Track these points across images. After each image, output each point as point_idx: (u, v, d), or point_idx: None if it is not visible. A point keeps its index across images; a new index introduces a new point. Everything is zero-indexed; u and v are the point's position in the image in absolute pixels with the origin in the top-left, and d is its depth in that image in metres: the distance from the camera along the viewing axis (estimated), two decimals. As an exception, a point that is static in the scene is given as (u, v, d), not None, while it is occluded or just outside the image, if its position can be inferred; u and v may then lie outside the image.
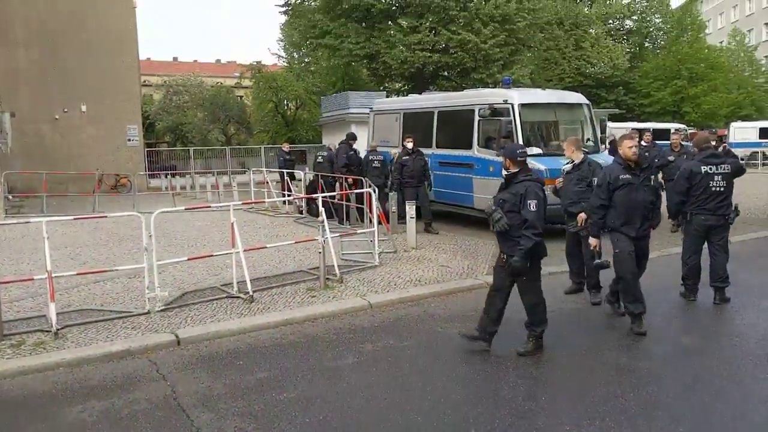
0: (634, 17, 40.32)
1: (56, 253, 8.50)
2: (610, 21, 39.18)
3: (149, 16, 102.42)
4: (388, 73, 28.52)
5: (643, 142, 12.05)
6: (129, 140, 24.80)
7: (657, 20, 40.81)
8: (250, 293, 7.15)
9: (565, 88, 27.64)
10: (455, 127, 12.60)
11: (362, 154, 14.05)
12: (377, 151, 13.47)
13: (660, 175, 11.50)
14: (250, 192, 16.75)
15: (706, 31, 45.57)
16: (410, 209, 10.19)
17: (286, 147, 19.22)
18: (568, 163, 7.32)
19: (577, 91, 14.91)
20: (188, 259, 8.26)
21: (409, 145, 12.08)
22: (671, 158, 11.19)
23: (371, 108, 15.92)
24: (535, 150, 11.02)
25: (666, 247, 9.66)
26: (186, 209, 11.59)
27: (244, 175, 21.49)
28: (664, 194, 7.02)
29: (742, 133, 29.84)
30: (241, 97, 41.75)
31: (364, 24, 26.97)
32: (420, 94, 16.85)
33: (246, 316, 6.65)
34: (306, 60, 36.60)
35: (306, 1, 28.91)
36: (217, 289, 7.65)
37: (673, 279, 7.35)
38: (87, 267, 8.78)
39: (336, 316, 6.74)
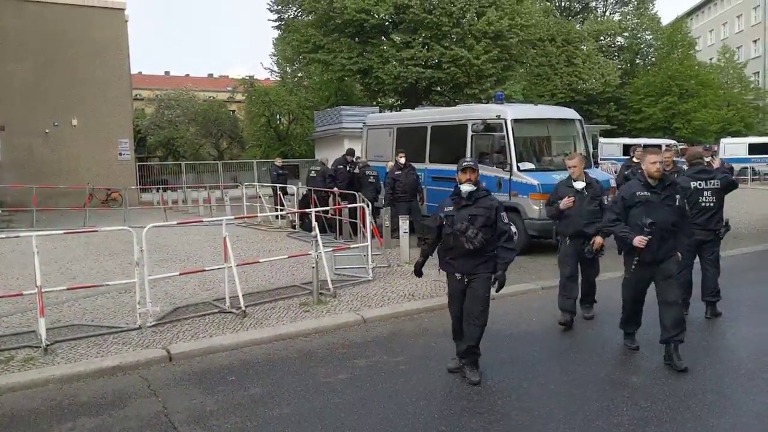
0: (625, 34, 40.87)
1: (46, 267, 8.44)
2: (602, 38, 39.66)
3: (141, 29, 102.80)
4: (381, 88, 28.68)
5: (634, 159, 11.50)
6: (120, 154, 24.69)
7: (648, 37, 41.36)
8: (243, 308, 7.11)
9: (557, 104, 27.88)
10: (448, 142, 12.67)
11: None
12: (370, 166, 13.51)
13: None
14: (243, 207, 16.72)
15: (696, 48, 46.18)
16: (403, 224, 10.20)
17: (278, 161, 19.30)
18: (576, 180, 6.77)
19: (569, 107, 15.04)
20: (180, 274, 8.19)
21: (401, 160, 12.14)
22: None
23: (364, 123, 15.98)
24: (528, 165, 11.10)
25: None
26: (178, 224, 11.53)
27: (237, 189, 21.46)
28: None
29: (732, 148, 30.18)
30: (233, 111, 41.76)
31: (357, 39, 27.16)
32: (413, 109, 16.93)
33: (238, 331, 6.61)
34: (299, 75, 36.75)
35: (299, 16, 29.10)
36: (210, 304, 7.61)
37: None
38: (78, 282, 8.71)
39: (329, 331, 6.70)
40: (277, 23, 29.84)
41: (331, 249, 9.42)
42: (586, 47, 37.42)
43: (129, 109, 25.91)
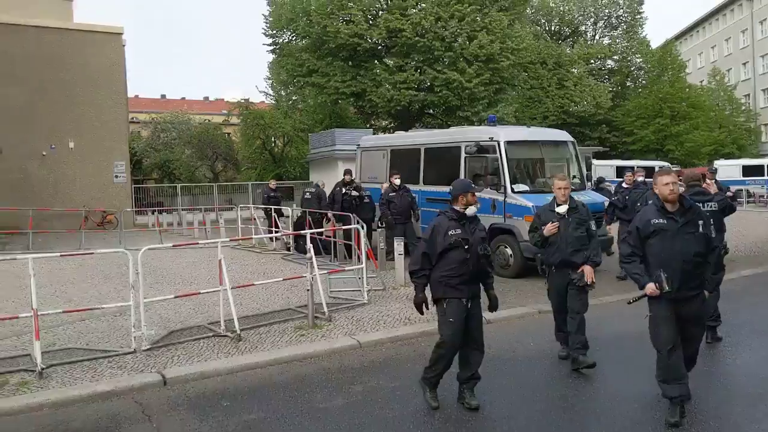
0: (615, 57, 41.43)
1: (42, 290, 8.39)
2: (592, 61, 40.22)
3: (138, 53, 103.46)
4: (374, 111, 28.92)
5: (624, 184, 11.07)
6: (116, 177, 24.74)
7: (638, 60, 41.93)
8: (238, 332, 7.09)
9: (549, 126, 28.17)
10: (442, 163, 12.76)
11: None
12: (362, 187, 13.57)
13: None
14: (238, 229, 16.72)
15: (687, 70, 46.87)
16: (398, 246, 10.23)
17: (272, 184, 18.99)
18: (560, 205, 6.21)
19: (561, 129, 15.19)
20: (175, 297, 8.19)
21: (397, 182, 12.21)
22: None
23: (358, 144, 16.09)
24: (522, 187, 11.18)
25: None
26: (174, 246, 11.52)
27: (232, 211, 21.47)
28: None
29: (725, 171, 30.25)
30: (228, 134, 41.91)
31: (350, 63, 27.46)
32: (406, 131, 17.06)
33: (233, 355, 6.59)
34: (293, 98, 37.00)
35: (293, 40, 29.41)
36: (204, 328, 7.58)
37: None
38: (73, 305, 8.68)
39: (325, 356, 6.68)
40: (271, 47, 30.15)
41: (326, 271, 9.43)
42: (577, 70, 37.91)
43: (125, 132, 25.98)
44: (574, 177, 11.88)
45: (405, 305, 8.66)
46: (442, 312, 5.10)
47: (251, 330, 7.45)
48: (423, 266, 5.07)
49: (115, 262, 11.60)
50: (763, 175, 30.38)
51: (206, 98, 66.24)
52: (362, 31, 25.19)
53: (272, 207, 16.14)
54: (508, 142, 11.38)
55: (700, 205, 5.80)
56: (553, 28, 42.24)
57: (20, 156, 22.25)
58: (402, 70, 26.08)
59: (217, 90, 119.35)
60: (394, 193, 12.14)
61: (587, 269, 5.94)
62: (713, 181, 9.79)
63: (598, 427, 4.78)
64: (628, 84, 42.95)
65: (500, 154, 11.20)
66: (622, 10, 41.31)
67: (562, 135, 12.96)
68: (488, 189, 11.26)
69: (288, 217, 15.79)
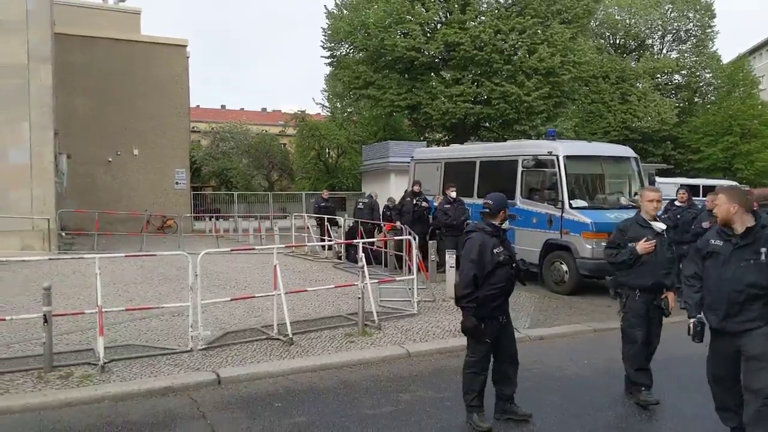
0: (683, 72, 40.03)
1: (105, 289, 8.69)
2: (658, 75, 38.95)
3: (200, 65, 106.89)
4: (429, 124, 28.90)
5: (677, 202, 10.28)
6: (177, 183, 25.69)
7: (707, 75, 40.39)
8: (290, 336, 7.19)
9: (610, 142, 27.44)
10: (498, 177, 12.63)
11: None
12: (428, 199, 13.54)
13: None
14: (291, 236, 16.98)
15: (760, 86, 44.88)
16: (450, 258, 10.16)
17: (325, 194, 18.87)
18: (654, 220, 5.53)
19: (623, 145, 14.81)
20: (231, 300, 8.40)
21: (452, 194, 12.15)
22: (706, 225, 8.12)
23: (412, 157, 16.13)
24: (581, 203, 10.95)
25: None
26: (231, 251, 11.82)
27: (286, 220, 21.84)
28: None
29: (799, 191, 28.86)
30: (284, 144, 42.75)
31: (406, 76, 27.57)
32: (461, 144, 16.99)
33: (285, 358, 6.68)
34: (349, 110, 37.45)
35: (350, 53, 29.82)
36: (258, 330, 7.73)
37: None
38: (134, 304, 9.01)
39: (374, 364, 6.70)
40: (329, 60, 30.65)
41: (376, 280, 9.47)
42: (642, 85, 36.84)
43: (186, 141, 26.98)
44: (635, 194, 11.55)
45: (454, 317, 8.56)
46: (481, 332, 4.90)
47: (302, 335, 7.55)
48: (474, 290, 4.75)
49: (174, 265, 11.97)
50: (839, 198, 28.72)
51: (264, 109, 67.79)
52: (420, 44, 25.30)
53: (324, 216, 16.34)
54: (568, 157, 11.18)
55: None
56: (618, 42, 41.15)
57: (88, 162, 23.40)
58: (459, 83, 25.98)
59: (275, 102, 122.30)
60: (449, 206, 12.09)
61: (671, 296, 5.45)
62: None
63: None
64: (696, 100, 41.42)
65: (559, 169, 11.02)
66: (692, 24, 39.87)
67: (624, 150, 12.65)
68: (545, 204, 11.08)
69: (340, 227, 15.97)
